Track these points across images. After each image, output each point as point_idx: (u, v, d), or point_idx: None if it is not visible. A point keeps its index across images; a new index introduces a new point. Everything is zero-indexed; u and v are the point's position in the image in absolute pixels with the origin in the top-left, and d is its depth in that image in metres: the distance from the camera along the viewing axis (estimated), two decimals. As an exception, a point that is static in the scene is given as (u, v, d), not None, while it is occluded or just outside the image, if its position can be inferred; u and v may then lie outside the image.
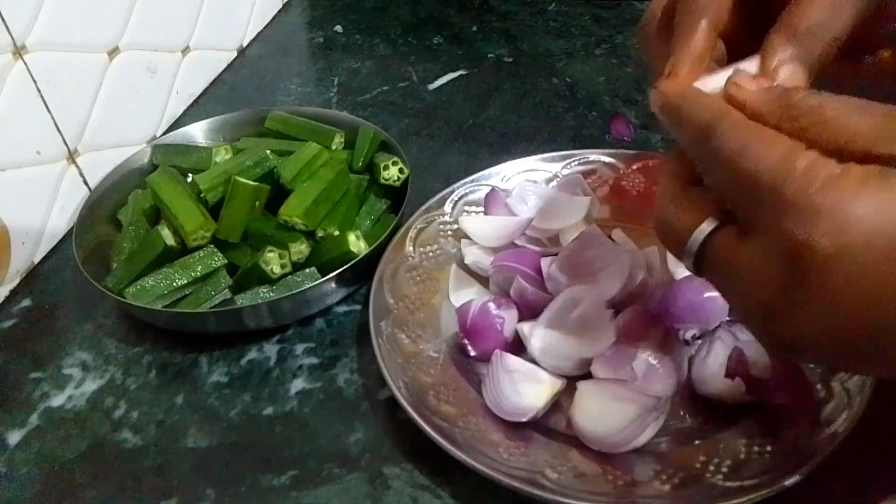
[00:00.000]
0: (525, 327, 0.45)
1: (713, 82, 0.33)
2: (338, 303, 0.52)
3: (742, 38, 0.36)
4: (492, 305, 0.46)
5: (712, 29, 0.34)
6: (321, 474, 0.42)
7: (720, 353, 0.42)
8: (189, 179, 0.57)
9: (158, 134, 0.70)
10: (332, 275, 0.48)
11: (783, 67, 0.32)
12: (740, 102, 0.30)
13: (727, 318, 0.45)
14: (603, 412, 0.40)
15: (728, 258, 0.29)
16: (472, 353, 0.46)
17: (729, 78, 0.31)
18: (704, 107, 0.30)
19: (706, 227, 0.29)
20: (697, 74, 0.34)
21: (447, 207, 0.55)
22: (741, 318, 0.30)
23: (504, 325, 0.45)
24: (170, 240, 0.52)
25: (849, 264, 0.25)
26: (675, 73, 0.34)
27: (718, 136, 0.28)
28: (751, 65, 0.33)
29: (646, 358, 0.42)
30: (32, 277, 0.56)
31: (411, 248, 0.52)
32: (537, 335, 0.44)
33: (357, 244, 0.52)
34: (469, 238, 0.53)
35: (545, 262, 0.47)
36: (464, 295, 0.49)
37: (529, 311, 0.46)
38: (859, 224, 0.24)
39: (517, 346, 0.45)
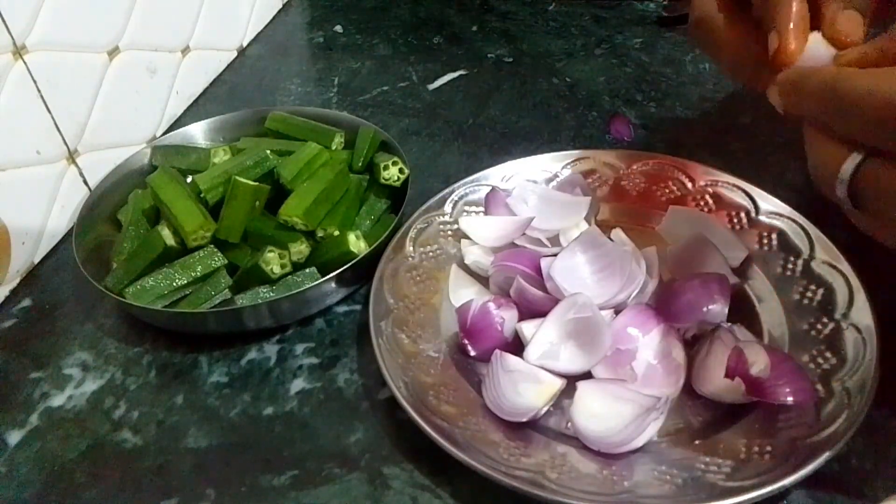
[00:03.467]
0: (525, 327, 0.45)
1: (810, 51, 0.36)
2: (338, 303, 0.52)
3: None
4: (492, 305, 0.46)
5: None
6: (321, 474, 0.42)
7: (720, 353, 0.42)
8: (189, 180, 0.57)
9: (158, 134, 0.70)
10: (332, 275, 0.48)
11: (840, 17, 0.35)
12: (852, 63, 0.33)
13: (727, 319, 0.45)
14: (603, 412, 0.40)
15: (886, 182, 0.31)
16: (472, 353, 0.46)
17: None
18: (824, 71, 0.32)
19: (856, 155, 0.32)
20: (804, 44, 0.36)
21: (447, 207, 0.55)
22: None
23: (504, 325, 0.45)
24: (170, 240, 0.52)
25: None
26: (786, 48, 0.35)
27: (845, 86, 0.30)
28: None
29: (646, 358, 0.42)
30: (32, 277, 0.56)
31: (411, 248, 0.52)
32: (536, 345, 0.44)
33: (357, 244, 0.52)
34: (469, 238, 0.53)
35: (545, 262, 0.47)
36: (464, 295, 0.49)
37: (529, 311, 0.46)
38: None
39: (517, 346, 0.45)
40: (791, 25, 0.35)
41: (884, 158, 0.31)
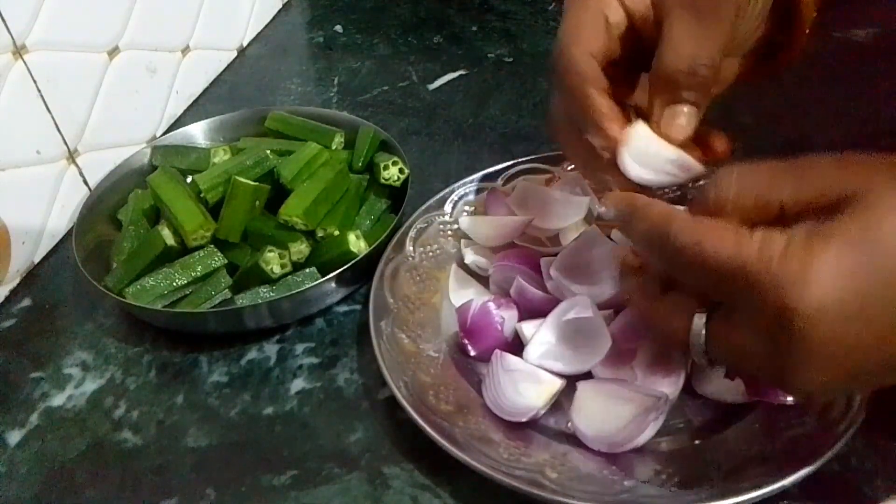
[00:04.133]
0: (525, 327, 0.45)
1: (638, 135, 0.36)
2: (338, 303, 0.52)
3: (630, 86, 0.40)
4: (492, 305, 0.46)
5: (601, 91, 0.37)
6: (321, 474, 0.42)
7: (720, 353, 0.42)
8: (189, 180, 0.57)
9: (158, 134, 0.70)
10: (332, 275, 0.48)
11: (665, 115, 0.37)
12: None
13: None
14: (603, 412, 0.40)
15: (726, 340, 0.31)
16: (472, 353, 0.46)
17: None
18: (654, 214, 0.33)
19: (699, 320, 0.32)
20: (623, 124, 0.37)
21: (447, 207, 0.55)
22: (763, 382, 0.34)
23: (504, 325, 0.45)
24: (170, 240, 0.52)
25: (830, 317, 0.27)
26: (607, 134, 0.37)
27: (672, 238, 0.31)
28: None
29: (646, 358, 0.42)
30: (32, 277, 0.56)
31: (411, 248, 0.52)
32: (535, 346, 0.44)
33: (357, 244, 0.52)
34: (469, 238, 0.53)
35: (545, 262, 0.47)
36: (464, 295, 0.49)
37: (529, 311, 0.46)
38: (826, 283, 0.27)
39: (517, 346, 0.45)
40: (602, 118, 0.37)
41: (725, 315, 0.31)
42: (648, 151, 0.37)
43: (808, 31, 0.39)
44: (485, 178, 0.56)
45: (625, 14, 0.37)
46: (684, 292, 0.33)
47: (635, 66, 0.39)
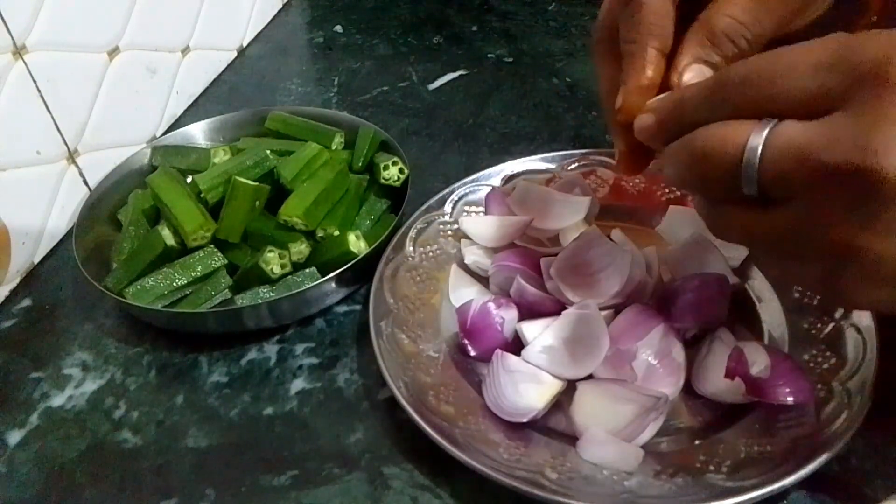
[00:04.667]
0: (525, 327, 0.45)
1: None
2: (338, 303, 0.52)
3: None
4: (492, 305, 0.46)
5: (661, 55, 0.34)
6: (321, 474, 0.42)
7: (720, 353, 0.42)
8: (189, 180, 0.57)
9: (158, 134, 0.70)
10: (332, 275, 0.48)
11: (688, 70, 0.33)
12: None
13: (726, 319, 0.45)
14: (603, 412, 0.40)
15: (795, 148, 0.26)
16: (472, 354, 0.46)
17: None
18: (704, 85, 0.30)
19: (762, 126, 0.27)
20: (641, 107, 0.34)
21: (447, 207, 0.55)
22: (808, 279, 0.28)
23: (504, 326, 0.45)
24: (170, 240, 0.52)
25: None
26: (627, 108, 0.34)
27: (738, 66, 0.28)
28: None
29: (646, 358, 0.42)
30: (32, 277, 0.56)
31: (411, 248, 0.52)
32: (535, 349, 0.44)
33: (357, 244, 0.52)
34: (469, 238, 0.53)
35: (545, 262, 0.47)
36: (464, 295, 0.49)
37: (529, 311, 0.46)
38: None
39: (517, 346, 0.45)
40: (633, 87, 0.34)
41: (804, 125, 0.26)
42: None
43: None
44: (485, 179, 0.56)
45: None
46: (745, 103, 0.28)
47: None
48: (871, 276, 0.26)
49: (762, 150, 0.26)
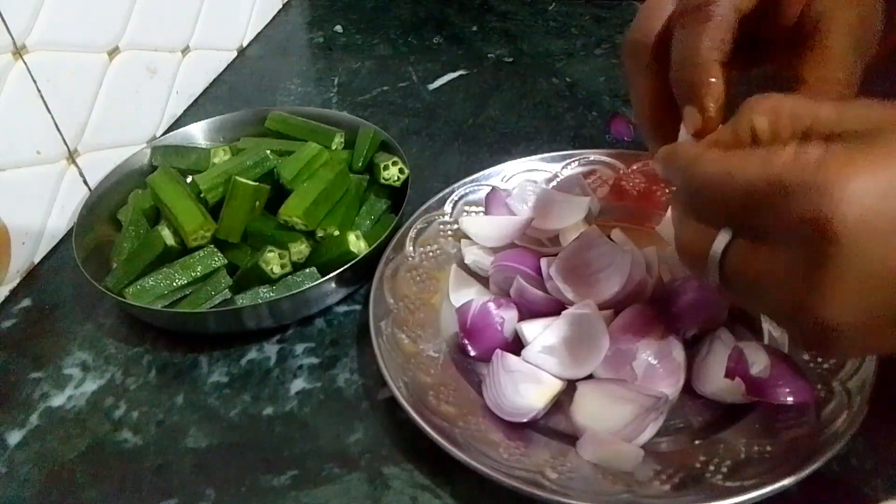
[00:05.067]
0: (525, 327, 0.45)
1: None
2: (338, 303, 0.52)
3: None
4: (492, 305, 0.46)
5: (722, 77, 0.35)
6: (321, 474, 0.42)
7: (720, 353, 0.42)
8: (189, 180, 0.57)
9: (158, 134, 0.70)
10: (332, 275, 0.48)
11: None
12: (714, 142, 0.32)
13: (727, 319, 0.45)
14: (603, 412, 0.40)
15: (749, 263, 0.29)
16: (472, 354, 0.46)
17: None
18: (683, 154, 0.32)
19: (722, 238, 0.30)
20: (720, 118, 0.35)
21: (447, 207, 0.55)
22: (775, 321, 0.31)
23: (504, 325, 0.45)
24: (170, 240, 0.52)
25: (869, 229, 0.25)
26: (709, 126, 0.35)
27: (701, 167, 0.30)
28: None
29: (646, 358, 0.42)
30: (32, 277, 0.56)
31: (411, 248, 0.52)
32: (535, 348, 0.44)
33: (357, 244, 0.52)
34: (469, 238, 0.53)
35: (545, 262, 0.47)
36: (464, 295, 0.49)
37: (529, 311, 0.46)
38: (867, 192, 0.25)
39: (517, 346, 0.45)
40: (711, 99, 0.34)
41: (751, 239, 0.29)
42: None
43: None
44: (484, 179, 0.56)
45: None
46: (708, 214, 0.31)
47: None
48: (850, 347, 0.29)
49: (721, 261, 0.30)
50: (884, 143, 0.26)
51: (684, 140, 0.36)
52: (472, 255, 0.51)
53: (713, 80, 0.34)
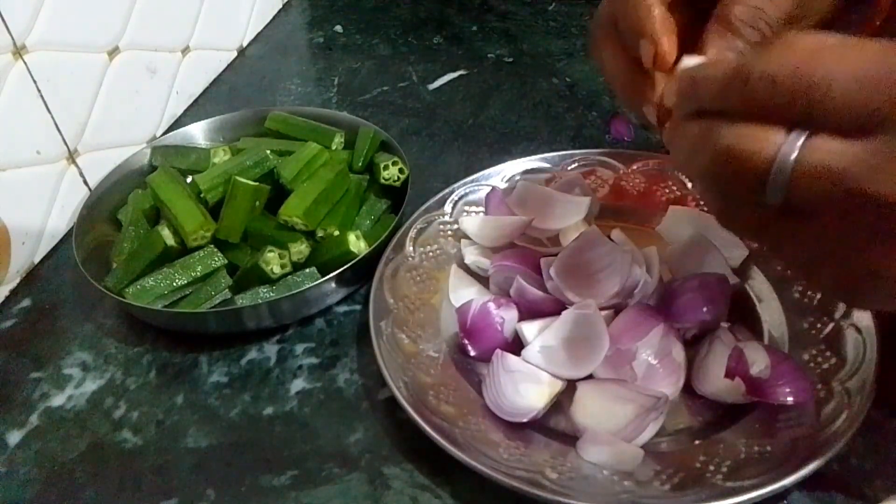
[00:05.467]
0: (525, 327, 0.45)
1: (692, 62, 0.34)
2: (338, 303, 0.52)
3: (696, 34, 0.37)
4: (492, 305, 0.46)
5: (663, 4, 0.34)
6: (321, 474, 0.42)
7: (720, 353, 0.42)
8: (189, 180, 0.57)
9: (158, 134, 0.70)
10: (332, 275, 0.48)
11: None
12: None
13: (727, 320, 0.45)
14: (603, 412, 0.40)
15: (829, 163, 0.24)
16: (472, 354, 0.46)
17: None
18: (727, 63, 0.27)
19: (795, 137, 0.25)
20: (675, 44, 0.34)
21: (447, 207, 0.55)
22: (825, 255, 0.27)
23: (504, 326, 0.45)
24: (170, 240, 0.52)
25: None
26: (662, 52, 0.34)
27: (776, 57, 0.25)
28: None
29: (646, 358, 0.42)
30: (32, 277, 0.56)
31: (411, 248, 0.52)
32: (535, 348, 0.44)
33: (357, 244, 0.52)
34: (469, 238, 0.53)
35: (545, 262, 0.47)
36: (464, 295, 0.49)
37: (529, 311, 0.46)
38: None
39: (517, 346, 0.45)
40: (657, 27, 0.34)
41: (832, 135, 0.24)
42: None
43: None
44: (484, 179, 0.56)
45: None
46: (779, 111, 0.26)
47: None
48: (892, 293, 0.26)
49: (794, 166, 0.25)
50: None
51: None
52: (471, 255, 0.51)
53: (655, 10, 0.34)
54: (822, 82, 0.24)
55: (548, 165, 0.57)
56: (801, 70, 0.25)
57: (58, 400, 0.48)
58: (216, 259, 0.52)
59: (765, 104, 0.26)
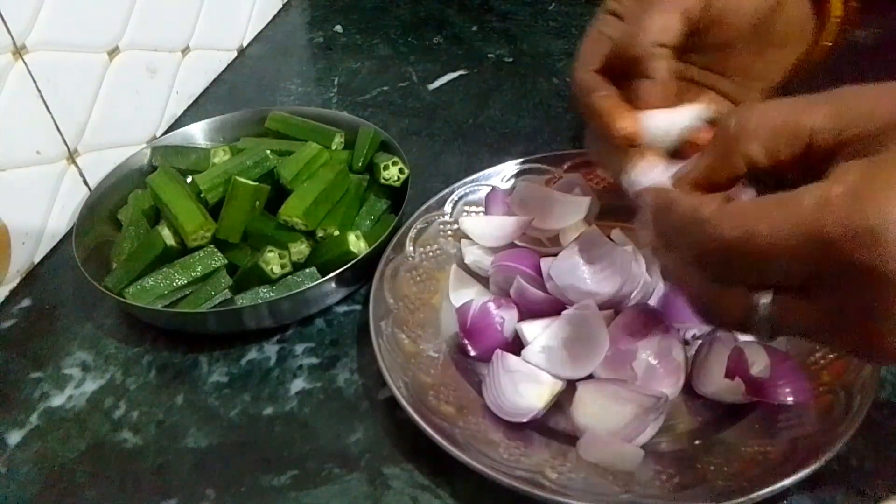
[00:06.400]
0: (525, 327, 0.45)
1: (674, 117, 0.37)
2: (338, 303, 0.52)
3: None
4: (492, 305, 0.46)
5: (603, 95, 0.38)
6: (321, 474, 0.42)
7: (720, 353, 0.42)
8: (189, 180, 0.57)
9: (158, 134, 0.70)
10: (332, 275, 0.48)
11: (644, 94, 0.38)
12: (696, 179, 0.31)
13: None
14: (603, 412, 0.40)
15: (800, 317, 0.27)
16: (472, 354, 0.46)
17: (674, 175, 0.34)
18: (682, 213, 0.29)
19: (765, 299, 0.27)
20: (632, 114, 0.38)
21: (447, 207, 0.55)
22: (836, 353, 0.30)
23: (504, 326, 0.45)
24: (170, 240, 0.52)
25: None
26: (621, 127, 0.37)
27: (719, 239, 0.27)
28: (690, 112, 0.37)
29: (646, 358, 0.42)
30: (32, 277, 0.56)
31: (411, 248, 0.52)
32: (535, 348, 0.44)
33: (357, 244, 0.52)
34: (469, 238, 0.53)
35: (545, 263, 0.47)
36: (464, 295, 0.49)
37: (529, 311, 0.46)
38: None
39: (517, 346, 0.45)
40: (610, 117, 0.38)
41: (794, 292, 0.27)
42: (660, 126, 0.37)
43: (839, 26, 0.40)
44: (484, 179, 0.56)
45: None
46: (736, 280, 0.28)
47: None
48: None
49: (771, 317, 0.27)
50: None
51: (656, 181, 0.35)
52: (472, 255, 0.51)
53: (657, 52, 0.37)
54: (766, 257, 0.26)
55: (548, 165, 0.57)
56: (746, 245, 0.26)
57: (58, 400, 0.48)
58: (216, 259, 0.52)
59: (720, 274, 0.28)
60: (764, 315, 0.27)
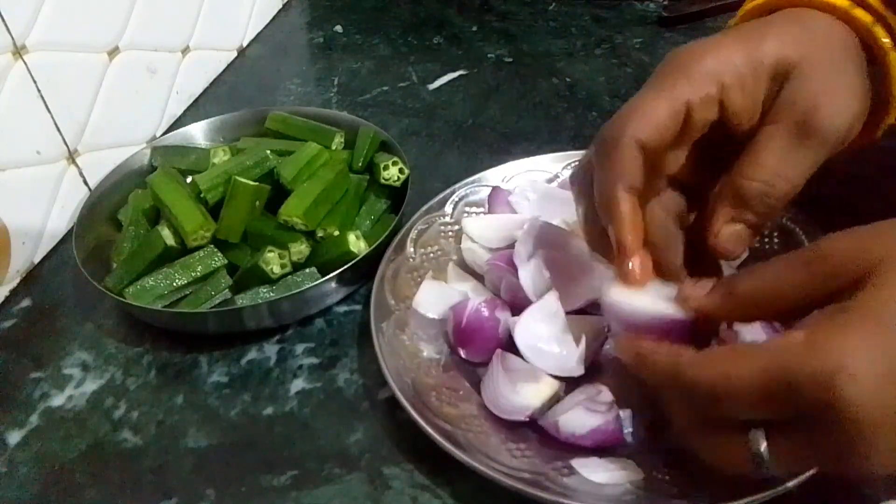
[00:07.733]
0: (513, 320, 0.45)
1: (662, 291, 0.35)
2: (338, 303, 0.52)
3: (705, 179, 0.38)
4: (483, 308, 0.45)
5: (628, 190, 0.35)
6: (321, 474, 0.42)
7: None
8: (189, 180, 0.57)
9: (158, 134, 0.70)
10: (332, 275, 0.48)
11: (725, 229, 0.36)
12: (694, 309, 0.33)
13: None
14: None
15: (792, 453, 0.29)
16: (467, 358, 0.46)
17: (676, 296, 0.34)
18: (660, 364, 0.31)
19: (759, 443, 0.29)
20: (639, 239, 0.35)
21: (448, 209, 0.55)
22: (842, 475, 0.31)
23: (499, 328, 0.45)
24: (170, 240, 0.52)
25: (875, 395, 0.26)
26: (624, 248, 0.35)
27: (703, 384, 0.29)
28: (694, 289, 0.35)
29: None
30: (32, 277, 0.56)
31: (412, 249, 0.52)
32: (520, 334, 0.44)
33: (357, 244, 0.52)
34: (470, 238, 0.53)
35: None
36: (459, 289, 0.49)
37: (521, 310, 0.46)
38: (867, 368, 0.26)
39: (512, 348, 0.45)
40: (624, 220, 0.35)
41: (783, 428, 0.29)
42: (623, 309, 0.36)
43: None
44: (485, 179, 0.56)
45: (717, 110, 0.36)
46: (722, 420, 0.31)
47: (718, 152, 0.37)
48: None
49: (768, 455, 0.29)
50: (858, 305, 0.27)
51: (638, 308, 0.35)
52: (472, 255, 0.51)
53: (623, 208, 0.35)
54: (741, 395, 0.28)
55: (548, 165, 0.57)
56: (717, 388, 0.29)
57: (58, 400, 0.48)
58: (216, 259, 0.52)
59: (711, 415, 0.30)
60: (766, 456, 0.29)
